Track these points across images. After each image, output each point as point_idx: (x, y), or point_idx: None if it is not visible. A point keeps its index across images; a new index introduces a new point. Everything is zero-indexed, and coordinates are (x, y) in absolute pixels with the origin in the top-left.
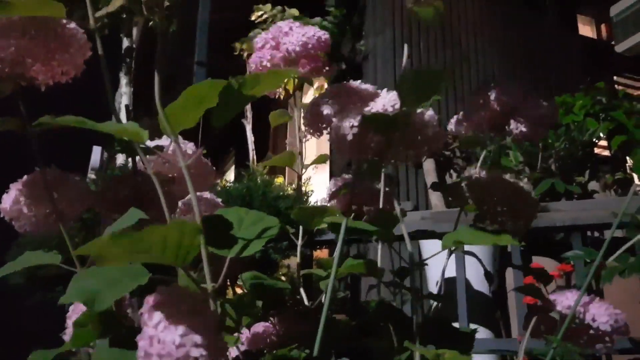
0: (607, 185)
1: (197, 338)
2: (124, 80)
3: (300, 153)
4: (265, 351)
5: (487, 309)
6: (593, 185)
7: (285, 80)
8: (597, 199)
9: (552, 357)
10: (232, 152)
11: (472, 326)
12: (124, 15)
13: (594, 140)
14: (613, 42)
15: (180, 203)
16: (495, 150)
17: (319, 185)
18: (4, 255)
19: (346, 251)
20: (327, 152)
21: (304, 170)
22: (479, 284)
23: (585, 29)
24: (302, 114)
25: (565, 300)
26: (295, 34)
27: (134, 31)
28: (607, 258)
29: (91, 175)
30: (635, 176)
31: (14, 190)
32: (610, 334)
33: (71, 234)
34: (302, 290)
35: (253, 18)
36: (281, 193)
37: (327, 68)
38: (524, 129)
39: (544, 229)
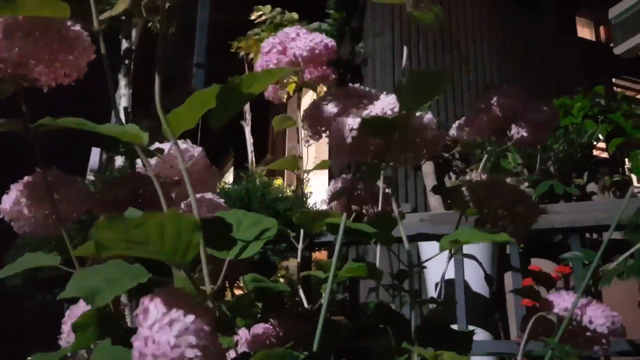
0: (605, 187)
1: (192, 339)
2: (122, 81)
3: (302, 157)
4: None
5: (486, 310)
6: (592, 187)
7: (286, 82)
8: (595, 201)
9: (549, 359)
10: (231, 154)
11: (471, 328)
12: (123, 17)
13: (593, 142)
14: (612, 44)
15: (182, 204)
16: (495, 153)
17: (317, 187)
18: (3, 256)
19: (345, 253)
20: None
21: (306, 175)
22: (478, 285)
23: (584, 31)
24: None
25: (562, 302)
26: (302, 39)
27: (133, 33)
28: (605, 260)
29: (90, 177)
30: (633, 178)
31: (15, 191)
32: (607, 335)
33: (70, 235)
34: (301, 292)
35: (252, 18)
36: (280, 195)
37: (333, 76)
38: (525, 134)
39: (543, 230)
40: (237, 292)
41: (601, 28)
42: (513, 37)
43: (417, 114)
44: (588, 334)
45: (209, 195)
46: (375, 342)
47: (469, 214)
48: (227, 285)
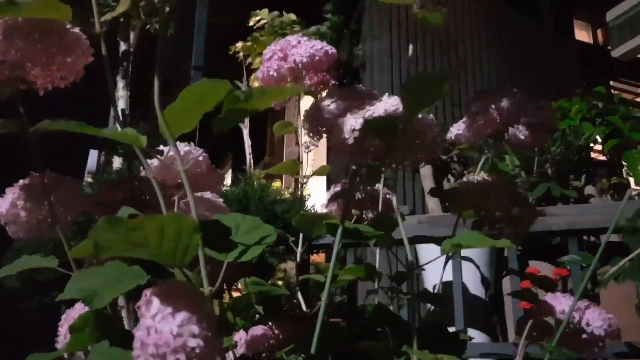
0: (603, 190)
1: (195, 328)
2: (120, 84)
3: (301, 162)
4: (263, 354)
5: (484, 313)
6: (589, 189)
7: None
8: (593, 203)
9: None
10: (229, 156)
11: (469, 330)
12: (121, 19)
13: (590, 144)
14: (609, 47)
15: (181, 203)
16: (492, 155)
17: (315, 190)
18: (0, 258)
19: (343, 256)
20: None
21: (305, 180)
22: (476, 288)
23: (582, 34)
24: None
25: (559, 305)
26: (303, 46)
27: (131, 35)
28: (603, 263)
29: (88, 179)
30: (631, 180)
31: (10, 194)
32: (604, 338)
33: (67, 237)
34: (299, 295)
35: (251, 24)
36: (278, 197)
37: (333, 82)
38: (522, 137)
39: (541, 233)
40: (235, 294)
41: (599, 31)
42: (511, 39)
43: (419, 116)
44: (585, 336)
45: (207, 194)
46: (373, 344)
47: (466, 216)
48: (224, 287)
